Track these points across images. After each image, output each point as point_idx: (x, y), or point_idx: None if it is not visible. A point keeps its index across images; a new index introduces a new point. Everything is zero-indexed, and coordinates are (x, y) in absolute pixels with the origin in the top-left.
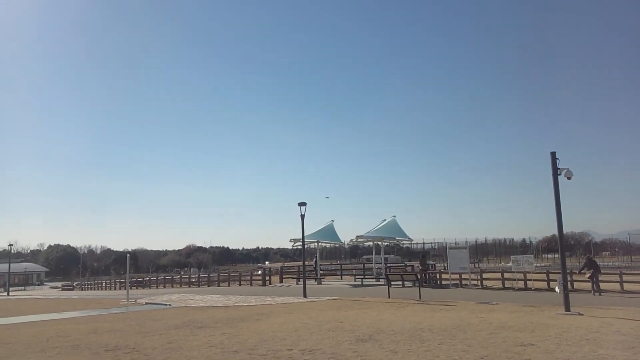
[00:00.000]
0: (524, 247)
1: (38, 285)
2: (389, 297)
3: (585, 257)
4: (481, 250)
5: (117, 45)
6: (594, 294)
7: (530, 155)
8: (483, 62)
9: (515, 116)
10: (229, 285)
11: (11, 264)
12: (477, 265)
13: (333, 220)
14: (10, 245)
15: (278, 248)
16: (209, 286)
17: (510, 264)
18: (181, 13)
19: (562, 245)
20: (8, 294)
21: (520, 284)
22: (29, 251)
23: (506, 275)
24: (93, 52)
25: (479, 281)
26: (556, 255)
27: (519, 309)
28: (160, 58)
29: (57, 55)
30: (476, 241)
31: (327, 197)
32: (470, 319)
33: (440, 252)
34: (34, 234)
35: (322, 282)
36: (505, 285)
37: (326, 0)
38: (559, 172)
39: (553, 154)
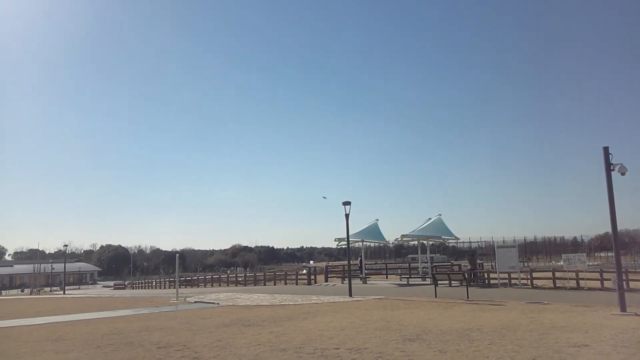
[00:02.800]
0: (575, 246)
1: (91, 284)
2: (436, 296)
3: None
4: (530, 249)
5: (162, 43)
6: None
7: (581, 150)
8: (525, 58)
9: (566, 110)
10: (274, 284)
11: (66, 264)
12: (526, 264)
13: (377, 220)
14: (65, 245)
15: (322, 247)
16: (255, 285)
17: (561, 263)
18: (217, 7)
19: (617, 243)
20: (64, 293)
21: (572, 284)
22: (82, 251)
23: (557, 274)
24: (138, 50)
25: (529, 280)
26: (609, 254)
27: (572, 309)
28: (205, 58)
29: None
30: (525, 240)
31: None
32: (520, 319)
33: (487, 251)
34: (86, 234)
35: (368, 282)
36: (557, 285)
37: None
38: (612, 168)
39: (606, 149)
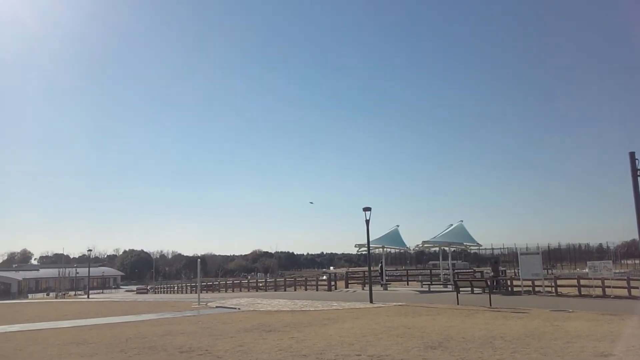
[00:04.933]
0: (600, 253)
1: (114, 288)
2: (458, 303)
3: None
4: (554, 256)
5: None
6: None
7: (607, 156)
8: (554, 59)
9: (592, 114)
10: (295, 290)
11: (90, 269)
12: (550, 271)
13: (398, 225)
14: (89, 250)
15: (342, 253)
16: (275, 291)
17: (586, 270)
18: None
19: None
20: (88, 297)
21: (598, 291)
22: (105, 256)
23: (582, 282)
24: (167, 55)
25: (553, 288)
26: (637, 261)
27: (598, 317)
28: (226, 63)
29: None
30: (549, 246)
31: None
32: (544, 327)
33: (510, 257)
34: (110, 239)
35: (388, 288)
36: (582, 293)
37: None
38: (638, 173)
39: (632, 154)
